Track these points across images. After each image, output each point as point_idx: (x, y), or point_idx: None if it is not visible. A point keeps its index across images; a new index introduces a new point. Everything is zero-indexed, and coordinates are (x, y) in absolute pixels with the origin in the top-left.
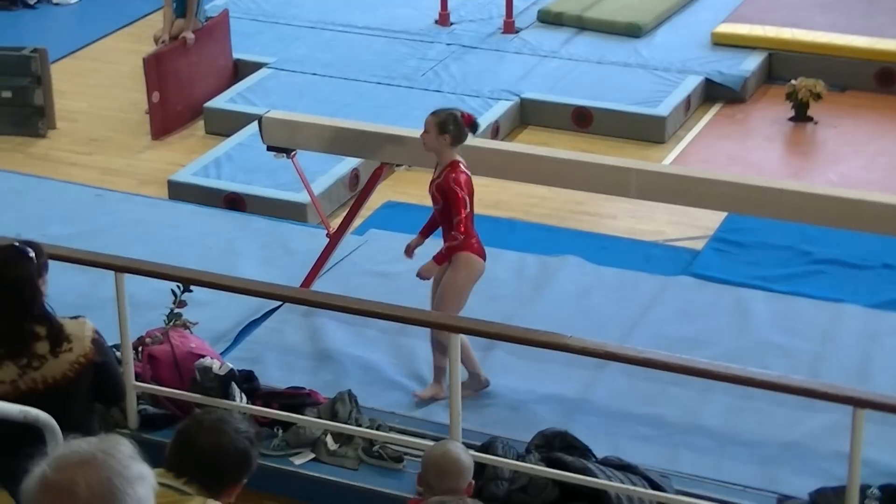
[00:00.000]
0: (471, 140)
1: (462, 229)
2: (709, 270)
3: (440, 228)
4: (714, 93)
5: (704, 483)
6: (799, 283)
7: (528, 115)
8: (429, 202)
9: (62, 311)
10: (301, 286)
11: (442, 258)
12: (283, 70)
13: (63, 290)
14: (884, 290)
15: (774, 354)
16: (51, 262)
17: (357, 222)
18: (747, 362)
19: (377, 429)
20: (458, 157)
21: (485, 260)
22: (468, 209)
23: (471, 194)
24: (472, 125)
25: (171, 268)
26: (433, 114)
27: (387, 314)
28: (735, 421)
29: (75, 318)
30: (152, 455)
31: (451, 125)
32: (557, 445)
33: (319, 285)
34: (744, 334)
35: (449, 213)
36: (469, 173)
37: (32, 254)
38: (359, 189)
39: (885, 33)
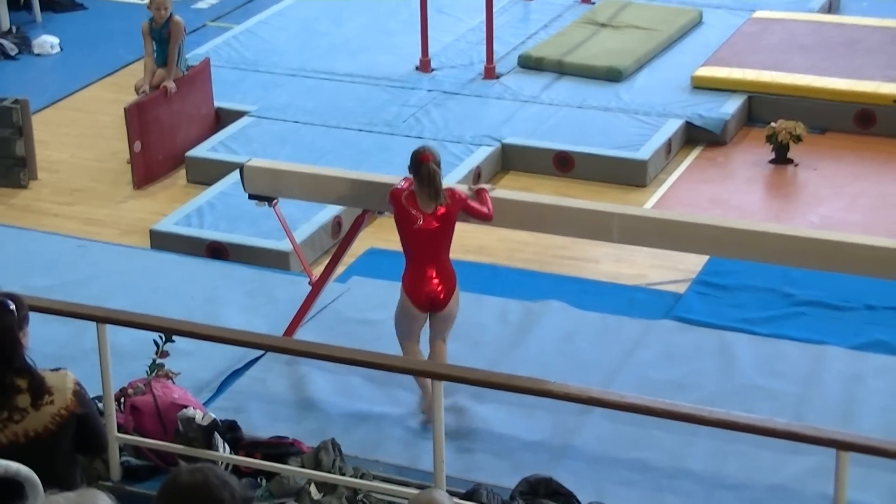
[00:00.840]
0: (455, 187)
1: None
2: (692, 314)
3: None
4: (695, 136)
5: None
6: (782, 326)
7: (510, 160)
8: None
9: (43, 363)
10: (284, 334)
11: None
12: (264, 118)
13: (44, 341)
14: (866, 332)
15: (759, 397)
16: (32, 314)
17: (340, 269)
18: (731, 405)
19: (361, 477)
20: (417, 196)
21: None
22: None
23: (396, 210)
24: (425, 159)
25: (154, 318)
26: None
27: (370, 362)
28: (720, 464)
29: (57, 369)
30: None
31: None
32: (542, 492)
33: (302, 333)
34: (728, 377)
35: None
36: (408, 202)
37: (13, 306)
38: (341, 236)
39: (863, 75)
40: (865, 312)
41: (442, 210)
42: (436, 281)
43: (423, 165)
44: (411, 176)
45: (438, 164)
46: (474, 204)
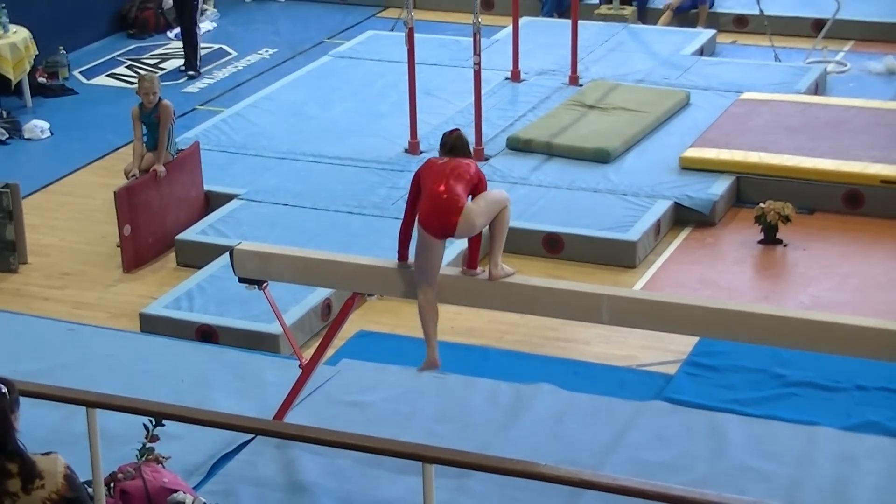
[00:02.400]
0: (442, 269)
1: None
2: (682, 395)
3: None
4: (683, 217)
5: None
6: (773, 407)
7: None
8: (402, 331)
9: (33, 447)
10: (274, 418)
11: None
12: (253, 201)
13: (34, 425)
14: (858, 413)
15: (751, 479)
16: (22, 398)
17: (330, 352)
18: (723, 487)
19: None
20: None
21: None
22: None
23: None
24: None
25: (143, 402)
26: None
27: (360, 445)
28: None
29: (47, 454)
30: None
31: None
32: None
33: (293, 417)
34: (719, 459)
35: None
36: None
37: (5, 390)
38: (331, 319)
39: (850, 156)
40: (857, 393)
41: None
42: (446, 198)
43: (455, 134)
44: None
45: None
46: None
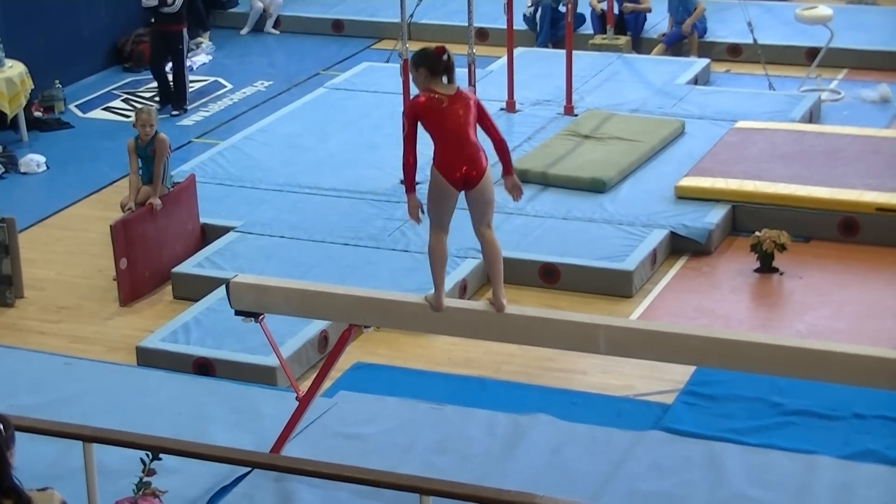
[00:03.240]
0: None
1: None
2: (680, 424)
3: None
4: (679, 246)
5: None
6: (771, 436)
7: None
8: (399, 363)
9: (30, 483)
10: (272, 450)
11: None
12: (250, 233)
13: (31, 460)
14: (856, 441)
15: None
16: (18, 433)
17: (327, 384)
18: None
19: None
20: (434, 87)
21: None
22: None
23: (422, 115)
24: (441, 52)
25: (140, 436)
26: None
27: (358, 478)
28: None
29: (43, 489)
30: None
31: (418, 58)
32: None
33: (290, 449)
34: (718, 488)
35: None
36: (431, 96)
37: (1, 426)
38: (328, 351)
39: (846, 183)
40: (855, 422)
41: (462, 93)
42: (468, 153)
43: (442, 54)
44: (420, 74)
45: (412, 65)
46: (492, 120)
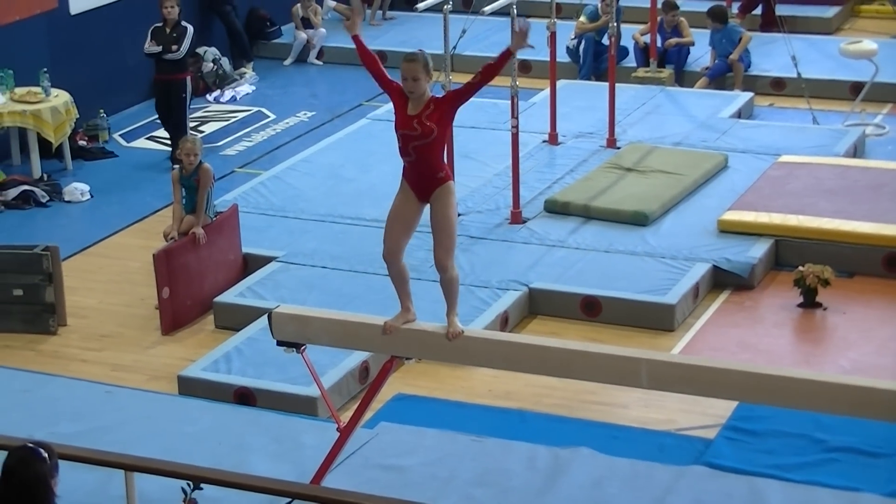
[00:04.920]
0: (480, 332)
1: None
2: (722, 459)
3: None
4: (722, 280)
5: None
6: (814, 472)
7: (537, 304)
8: (440, 394)
9: None
10: (312, 481)
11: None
12: (292, 264)
13: (72, 488)
14: None
15: None
16: (60, 461)
17: (368, 415)
18: None
19: None
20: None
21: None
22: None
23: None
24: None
25: (181, 465)
26: (413, 60)
27: None
28: None
29: None
30: None
31: (431, 63)
32: None
33: (330, 480)
34: None
35: (439, 144)
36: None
37: (45, 454)
38: (369, 382)
39: (890, 219)
40: None
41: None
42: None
43: (403, 63)
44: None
45: (426, 66)
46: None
